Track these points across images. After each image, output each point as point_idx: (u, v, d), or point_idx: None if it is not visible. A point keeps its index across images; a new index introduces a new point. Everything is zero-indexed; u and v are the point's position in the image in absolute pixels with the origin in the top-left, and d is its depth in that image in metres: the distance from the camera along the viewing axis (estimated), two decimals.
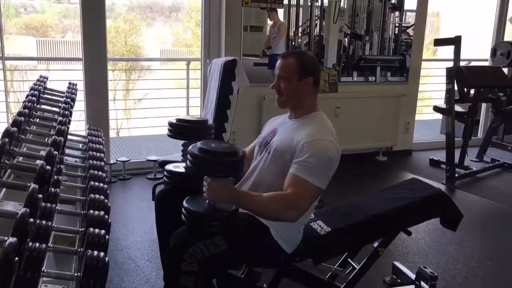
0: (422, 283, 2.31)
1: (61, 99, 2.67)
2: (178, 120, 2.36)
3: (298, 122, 1.88)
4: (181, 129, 2.32)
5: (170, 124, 2.31)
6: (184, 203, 1.69)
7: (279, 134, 1.90)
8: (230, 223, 1.67)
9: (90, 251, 1.35)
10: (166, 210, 2.03)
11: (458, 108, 4.56)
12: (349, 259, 2.22)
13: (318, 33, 4.67)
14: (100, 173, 2.07)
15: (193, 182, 1.84)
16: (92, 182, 1.92)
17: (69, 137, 2.72)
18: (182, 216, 1.67)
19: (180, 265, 1.59)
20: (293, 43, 4.59)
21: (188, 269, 1.58)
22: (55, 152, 1.58)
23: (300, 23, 4.59)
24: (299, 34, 4.62)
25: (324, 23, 4.65)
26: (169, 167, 2.27)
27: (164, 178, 2.21)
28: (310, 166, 1.69)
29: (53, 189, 1.67)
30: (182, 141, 2.77)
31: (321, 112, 1.92)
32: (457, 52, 4.36)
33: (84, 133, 3.22)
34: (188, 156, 1.64)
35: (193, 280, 1.58)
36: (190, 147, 1.67)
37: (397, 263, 2.55)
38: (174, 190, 2.14)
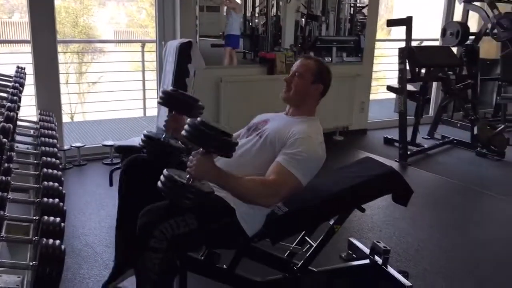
0: (376, 257, 2.41)
1: (9, 83, 2.57)
2: (172, 90, 2.20)
3: (295, 119, 1.96)
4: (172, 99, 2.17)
5: (164, 92, 2.13)
6: (165, 171, 1.67)
7: (273, 123, 1.93)
8: (207, 200, 1.67)
9: (45, 239, 1.33)
10: (135, 180, 1.96)
11: (410, 87, 4.70)
12: (306, 237, 2.27)
13: (275, 14, 4.67)
14: (53, 159, 2.03)
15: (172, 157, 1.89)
16: (45, 169, 1.88)
17: (19, 123, 2.63)
18: (160, 184, 1.64)
19: (147, 243, 1.58)
20: (250, 24, 4.58)
21: (156, 246, 1.57)
22: (4, 140, 1.54)
23: (257, 3, 4.57)
24: (256, 15, 4.60)
25: (281, 3, 4.65)
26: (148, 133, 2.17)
27: (140, 143, 2.06)
28: (298, 160, 1.77)
29: (4, 178, 1.63)
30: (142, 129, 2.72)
31: (317, 118, 2.02)
32: (408, 32, 4.48)
33: (35, 118, 3.13)
34: (187, 126, 1.64)
35: (159, 257, 1.58)
36: (189, 120, 1.67)
37: (352, 239, 2.64)
38: (147, 161, 2.04)
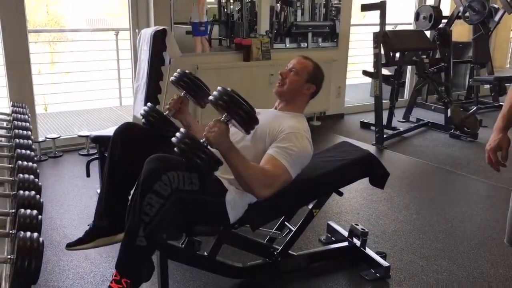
0: (355, 239, 2.46)
1: None
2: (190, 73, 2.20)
3: (284, 114, 2.04)
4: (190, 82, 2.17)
5: (183, 73, 2.16)
6: (182, 129, 1.78)
7: (263, 116, 1.94)
8: (215, 166, 1.71)
9: (22, 232, 1.33)
10: (128, 144, 1.96)
11: (385, 71, 4.76)
12: (285, 222, 2.31)
13: (250, 0, 4.65)
14: (28, 152, 2.01)
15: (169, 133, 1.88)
16: (20, 162, 1.86)
17: None
18: (175, 139, 1.67)
19: (150, 186, 1.59)
20: (225, 10, 4.54)
21: (160, 191, 1.59)
22: None
23: None
24: (231, 1, 4.57)
25: None
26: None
27: (143, 112, 2.09)
28: (291, 154, 1.83)
29: None
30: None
31: (304, 116, 2.09)
32: (382, 17, 4.51)
33: (8, 110, 3.07)
34: (218, 92, 1.69)
35: (160, 202, 1.60)
36: (220, 87, 1.71)
37: (331, 223, 2.68)
38: (141, 128, 2.06)
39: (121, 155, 1.97)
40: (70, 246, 2.06)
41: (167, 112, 2.13)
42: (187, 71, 2.15)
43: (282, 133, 1.88)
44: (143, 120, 2.10)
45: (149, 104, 2.14)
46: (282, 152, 1.83)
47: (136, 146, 1.94)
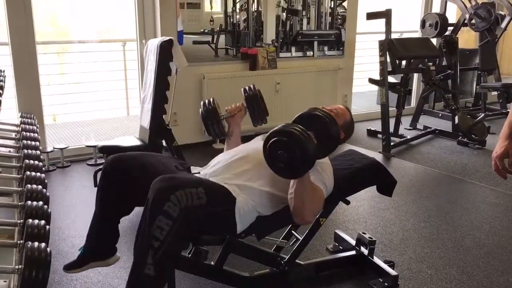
0: (362, 248, 2.44)
1: None
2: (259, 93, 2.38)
3: None
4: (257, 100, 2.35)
5: (255, 90, 2.36)
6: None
7: None
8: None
9: (30, 242, 1.33)
10: (118, 180, 1.97)
11: (391, 79, 4.76)
12: (292, 231, 2.30)
13: (256, 9, 4.68)
14: (36, 162, 2.03)
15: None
16: (28, 172, 1.87)
17: (0, 126, 2.60)
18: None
19: (160, 208, 1.58)
20: (232, 19, 4.57)
21: (170, 211, 1.57)
22: None
23: None
24: (237, 10, 4.60)
25: None
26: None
27: (204, 109, 2.31)
28: (325, 184, 1.90)
29: None
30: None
31: None
32: (388, 25, 4.52)
33: (16, 121, 3.10)
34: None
35: (170, 224, 1.58)
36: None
37: (338, 231, 2.67)
38: (130, 158, 2.05)
39: (112, 185, 1.98)
40: (66, 269, 2.12)
41: (223, 113, 2.30)
42: (257, 89, 2.33)
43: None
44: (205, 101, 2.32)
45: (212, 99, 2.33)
46: (320, 182, 1.87)
47: (126, 176, 1.95)
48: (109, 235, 2.09)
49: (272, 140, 1.66)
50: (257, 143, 2.05)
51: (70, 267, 2.11)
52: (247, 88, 2.32)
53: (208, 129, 2.29)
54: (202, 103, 2.31)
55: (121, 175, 1.96)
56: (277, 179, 1.83)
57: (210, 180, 1.83)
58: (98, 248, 2.11)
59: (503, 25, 5.53)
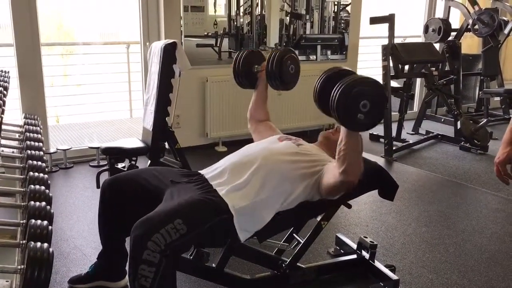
0: (363, 252, 2.44)
1: None
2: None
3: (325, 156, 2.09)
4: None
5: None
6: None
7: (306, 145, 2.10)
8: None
9: (33, 243, 1.34)
10: (117, 201, 1.99)
11: (394, 83, 4.76)
12: (294, 234, 2.30)
13: (259, 13, 4.69)
14: (39, 163, 2.04)
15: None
16: (31, 173, 1.88)
17: (4, 127, 2.62)
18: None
19: (140, 257, 1.58)
20: (235, 23, 4.59)
21: (150, 259, 1.57)
22: None
23: (242, 3, 4.58)
24: (241, 14, 4.62)
25: (265, 2, 4.67)
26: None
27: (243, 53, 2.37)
28: None
29: None
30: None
31: None
32: (391, 29, 4.53)
33: (20, 122, 3.11)
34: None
35: (153, 271, 1.57)
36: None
37: (340, 235, 2.67)
38: (127, 179, 2.06)
39: (111, 208, 2.01)
40: (72, 283, 2.16)
41: (257, 67, 2.36)
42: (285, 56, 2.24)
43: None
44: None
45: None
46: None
47: (123, 199, 1.96)
48: (117, 258, 2.11)
49: (355, 90, 1.58)
50: (262, 146, 2.06)
51: (76, 281, 2.15)
52: (275, 55, 2.23)
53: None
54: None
55: (119, 198, 1.97)
56: (282, 182, 1.85)
57: (189, 200, 1.75)
58: (106, 269, 2.13)
59: (506, 30, 5.52)
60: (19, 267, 1.35)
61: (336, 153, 1.76)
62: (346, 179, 1.76)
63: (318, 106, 1.91)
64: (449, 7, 5.56)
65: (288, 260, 2.20)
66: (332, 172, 1.82)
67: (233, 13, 4.56)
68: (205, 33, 4.44)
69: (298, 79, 2.32)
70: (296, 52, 4.84)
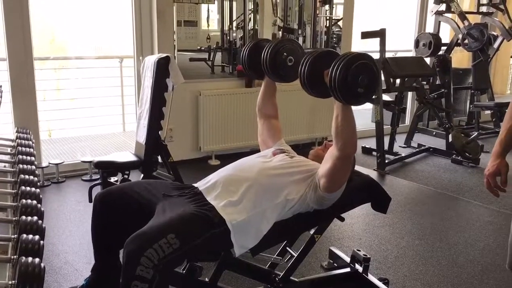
0: (357, 265, 2.44)
1: None
2: None
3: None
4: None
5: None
6: None
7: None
8: None
9: (24, 258, 1.33)
10: (108, 213, 1.97)
11: (386, 97, 4.80)
12: (287, 248, 2.30)
13: (252, 27, 4.73)
14: (31, 177, 2.03)
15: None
16: (23, 187, 1.87)
17: None
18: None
19: (133, 272, 1.56)
20: (228, 37, 4.62)
21: (143, 275, 1.55)
22: None
23: (234, 17, 4.63)
24: (234, 29, 4.65)
25: (258, 17, 4.72)
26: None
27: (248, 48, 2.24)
28: None
29: None
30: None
31: None
32: (382, 44, 4.58)
33: (12, 136, 3.10)
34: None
35: (147, 286, 1.56)
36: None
37: (333, 248, 2.67)
38: (119, 193, 2.04)
39: (104, 220, 1.99)
40: None
41: None
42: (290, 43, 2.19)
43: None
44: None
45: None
46: None
47: (116, 210, 1.95)
48: (110, 271, 2.07)
49: (355, 65, 1.67)
50: (256, 160, 2.07)
51: None
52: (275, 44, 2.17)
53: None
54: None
55: (111, 211, 1.96)
56: (277, 194, 1.86)
57: (182, 214, 1.74)
58: (100, 282, 2.10)
59: (496, 45, 5.61)
60: (10, 282, 1.33)
61: (333, 130, 1.82)
62: (345, 152, 1.83)
63: (308, 88, 1.91)
64: (439, 22, 5.64)
65: (282, 274, 2.19)
66: (329, 155, 1.88)
67: (226, 27, 4.60)
68: (198, 47, 4.47)
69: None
70: None
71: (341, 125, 1.79)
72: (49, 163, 3.95)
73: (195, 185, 2.00)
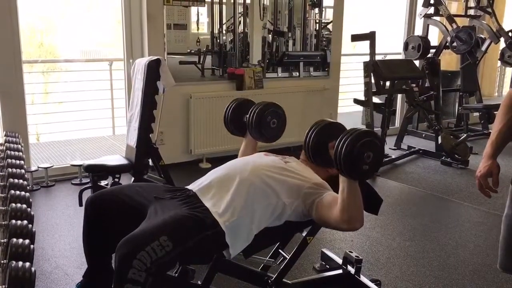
0: (349, 267, 2.44)
1: None
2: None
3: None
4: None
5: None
6: None
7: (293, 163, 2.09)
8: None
9: (14, 262, 1.32)
10: (100, 216, 1.95)
11: (376, 99, 4.83)
12: (280, 250, 2.30)
13: (242, 30, 4.74)
14: (20, 181, 2.01)
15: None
16: (12, 191, 1.85)
17: None
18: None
19: (125, 275, 1.55)
20: (218, 40, 4.62)
21: (135, 278, 1.54)
22: None
23: (224, 21, 4.63)
24: (224, 32, 4.65)
25: (248, 20, 4.72)
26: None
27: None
28: None
29: None
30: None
31: None
32: (372, 46, 4.61)
33: (0, 140, 3.07)
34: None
35: None
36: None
37: (325, 250, 2.68)
38: (111, 196, 2.03)
39: (95, 224, 1.97)
40: None
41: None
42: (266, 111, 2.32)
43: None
44: None
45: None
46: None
47: (107, 214, 1.94)
48: (102, 275, 2.05)
49: (361, 142, 1.65)
50: (248, 159, 2.07)
51: None
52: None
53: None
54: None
55: (102, 215, 1.94)
56: (269, 195, 1.86)
57: (174, 216, 1.73)
58: (93, 287, 2.09)
59: (484, 48, 5.68)
60: (0, 286, 1.32)
61: (339, 203, 1.77)
62: (350, 225, 1.81)
63: (311, 157, 1.97)
64: (428, 25, 5.70)
65: (274, 276, 2.18)
66: (334, 214, 1.81)
67: (215, 30, 4.60)
68: (188, 51, 4.47)
69: (283, 131, 2.41)
70: (279, 69, 4.94)
71: (347, 198, 1.75)
72: (39, 167, 3.91)
73: (188, 187, 1.99)
